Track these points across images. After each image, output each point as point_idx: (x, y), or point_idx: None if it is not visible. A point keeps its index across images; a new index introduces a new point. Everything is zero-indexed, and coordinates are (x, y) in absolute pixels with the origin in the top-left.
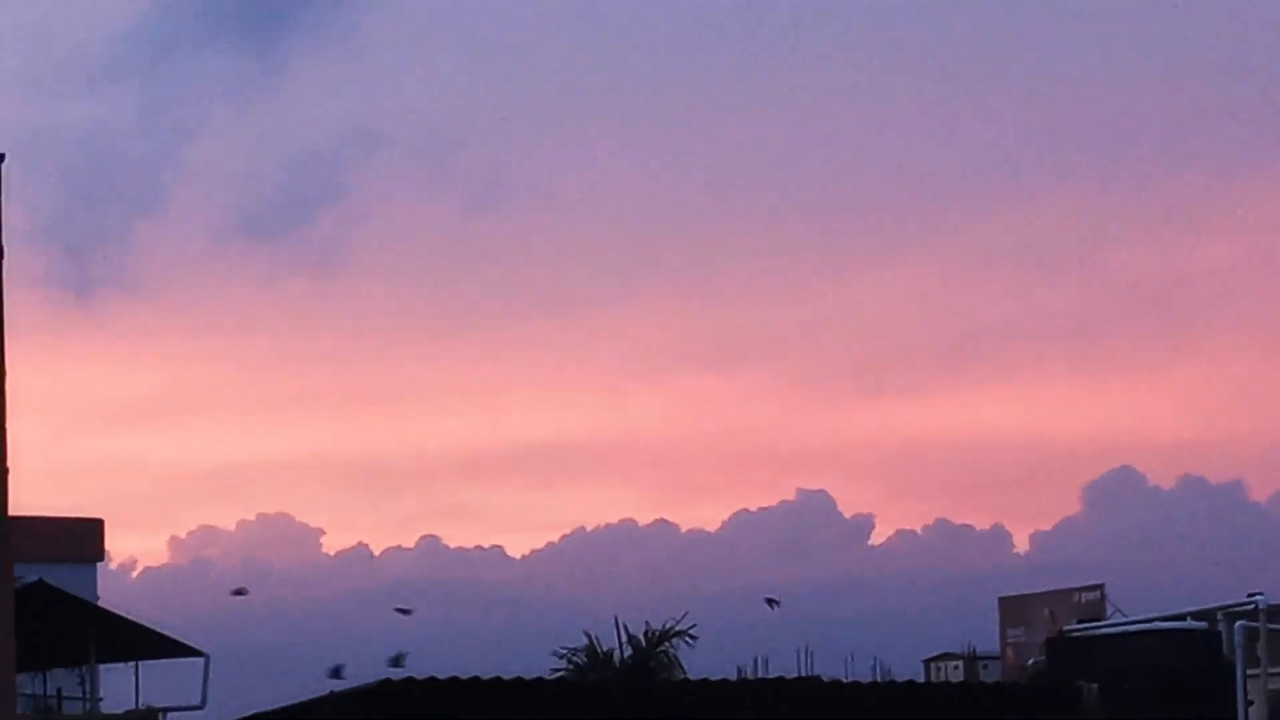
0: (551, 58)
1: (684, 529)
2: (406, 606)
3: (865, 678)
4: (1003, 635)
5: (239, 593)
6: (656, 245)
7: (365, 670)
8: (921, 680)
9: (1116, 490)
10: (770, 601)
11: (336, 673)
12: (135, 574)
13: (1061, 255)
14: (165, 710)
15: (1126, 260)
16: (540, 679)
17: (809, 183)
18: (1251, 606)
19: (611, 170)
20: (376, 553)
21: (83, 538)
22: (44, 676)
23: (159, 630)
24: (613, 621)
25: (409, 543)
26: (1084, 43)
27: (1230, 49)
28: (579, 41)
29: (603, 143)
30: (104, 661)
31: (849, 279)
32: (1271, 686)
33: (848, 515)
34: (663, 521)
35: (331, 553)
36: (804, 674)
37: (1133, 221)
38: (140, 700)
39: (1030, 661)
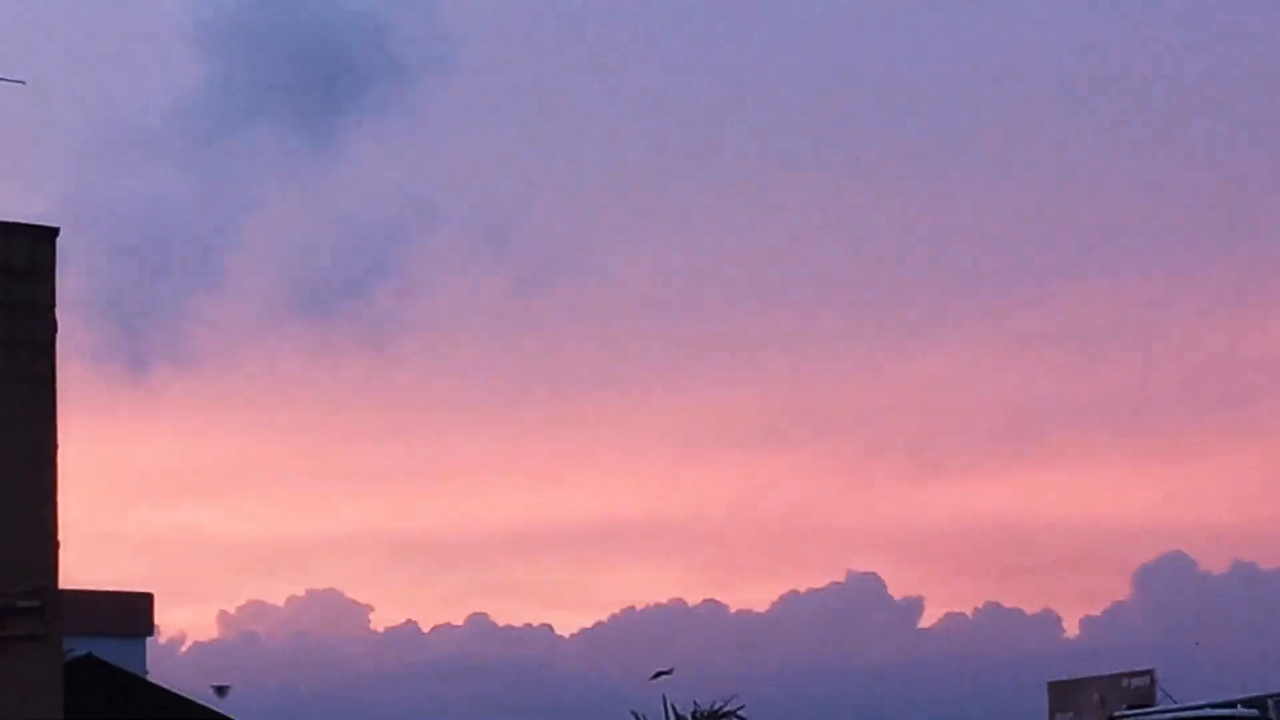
0: (607, 137)
1: (733, 609)
2: (665, 669)
3: None
4: None
5: (662, 674)
6: (707, 324)
7: None
8: None
9: (1167, 575)
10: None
11: None
12: (185, 648)
13: (1114, 337)
14: None
15: (1180, 342)
16: None
17: (861, 262)
18: None
19: (665, 251)
20: (425, 630)
21: (133, 611)
22: None
23: (208, 705)
24: (661, 701)
25: (458, 620)
26: (1140, 120)
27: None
28: (635, 122)
29: (656, 223)
30: None
31: (900, 359)
32: None
33: (898, 597)
34: (712, 602)
35: (380, 629)
36: None
37: (1187, 303)
38: None
39: None
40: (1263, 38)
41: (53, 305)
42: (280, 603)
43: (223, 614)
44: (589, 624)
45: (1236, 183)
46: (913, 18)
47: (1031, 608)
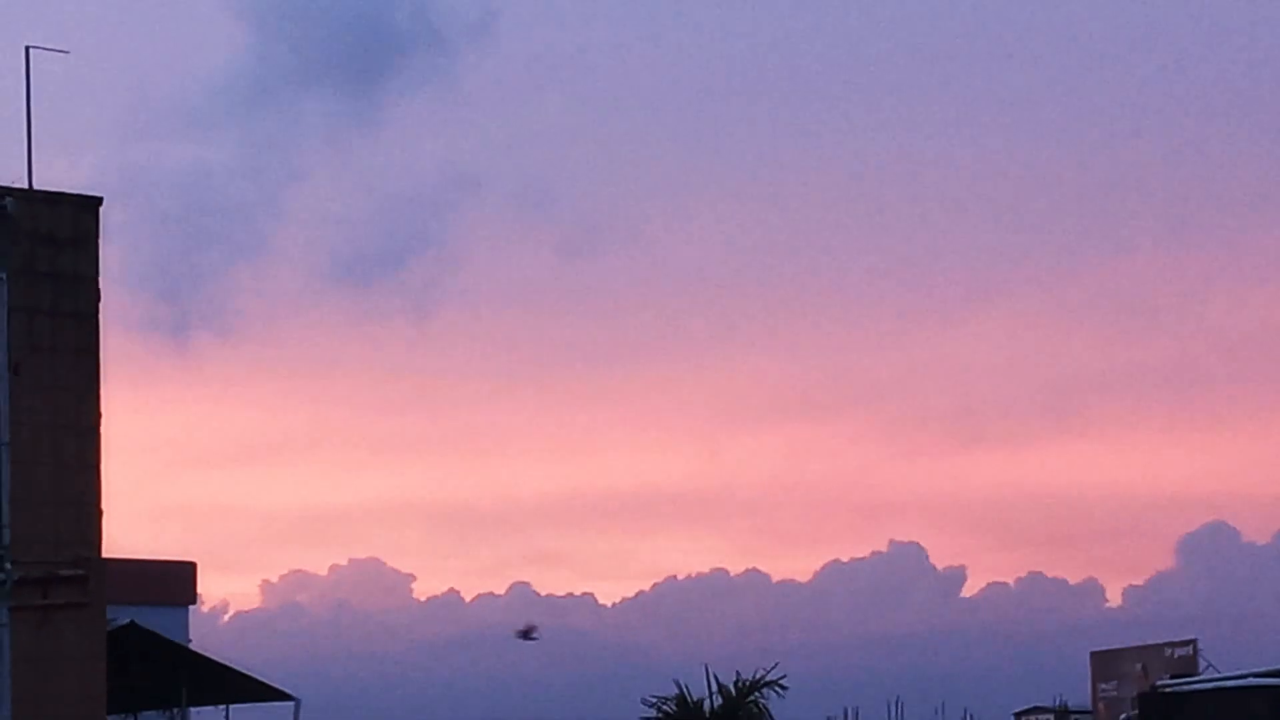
0: (649, 108)
1: (775, 579)
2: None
3: None
4: (1094, 690)
5: (527, 635)
6: (750, 295)
7: (458, 715)
8: None
9: (1210, 545)
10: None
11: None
12: (227, 617)
13: (1157, 309)
14: None
15: (1222, 314)
16: None
17: (904, 234)
18: None
19: (707, 221)
20: (467, 599)
21: (175, 580)
22: (135, 718)
23: (250, 674)
24: (703, 670)
25: (500, 589)
26: (1183, 93)
27: None
28: (678, 92)
29: (700, 193)
30: (195, 705)
31: (943, 330)
32: None
33: (940, 567)
34: (754, 571)
35: (422, 598)
36: None
37: (1229, 276)
38: None
39: (1123, 716)
40: None
41: (96, 275)
42: (323, 572)
43: (265, 583)
44: (630, 593)
45: (1277, 151)
46: (953, 12)
47: (1074, 577)
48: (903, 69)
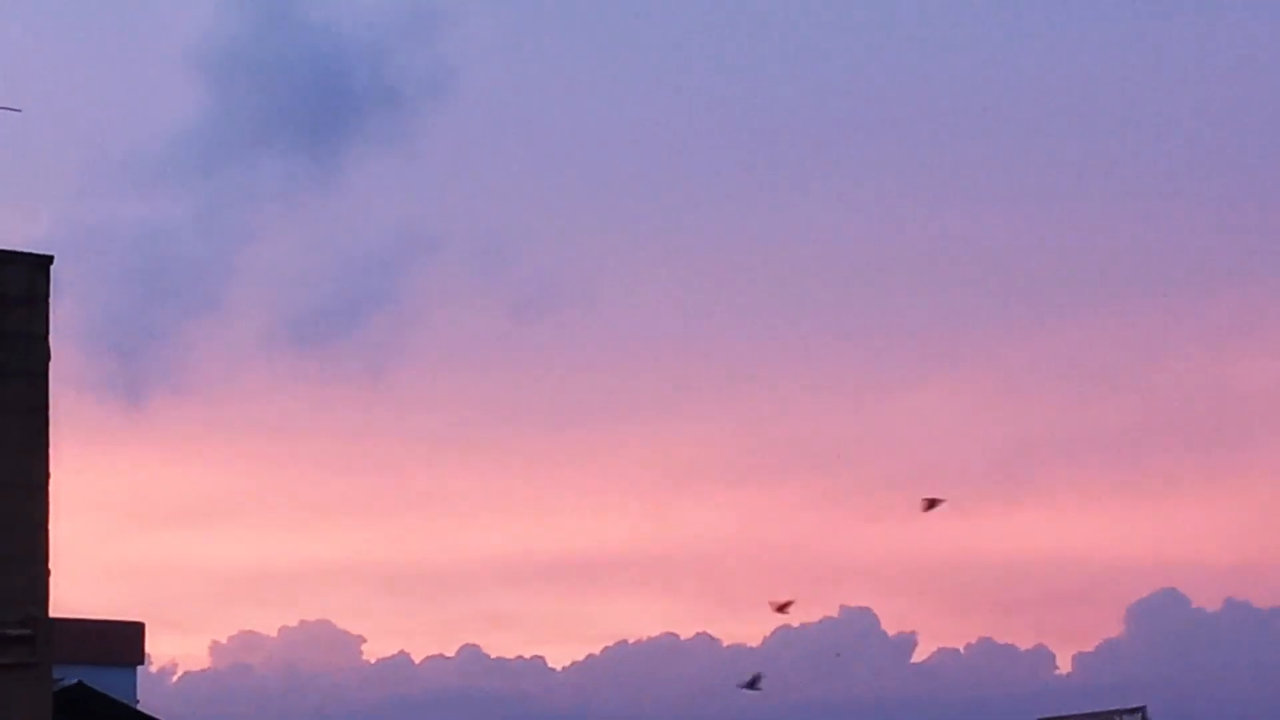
0: (605, 170)
1: (726, 643)
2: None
3: None
4: None
5: (752, 685)
6: (702, 359)
7: None
8: None
9: (1161, 612)
10: (751, 684)
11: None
12: (176, 678)
13: (1110, 373)
14: None
15: (1175, 379)
16: None
17: (858, 297)
18: None
19: (661, 284)
20: (417, 661)
21: (124, 640)
22: None
23: None
24: None
25: (450, 651)
26: (1135, 159)
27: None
28: (632, 154)
29: (653, 257)
30: None
31: (894, 393)
32: None
33: (891, 633)
34: (705, 635)
35: (372, 660)
36: None
37: (1182, 340)
38: None
39: None
40: (1259, 84)
41: (47, 334)
42: (272, 633)
43: (214, 644)
44: (581, 656)
45: (1231, 222)
46: (909, 53)
47: (1024, 644)
48: (857, 139)
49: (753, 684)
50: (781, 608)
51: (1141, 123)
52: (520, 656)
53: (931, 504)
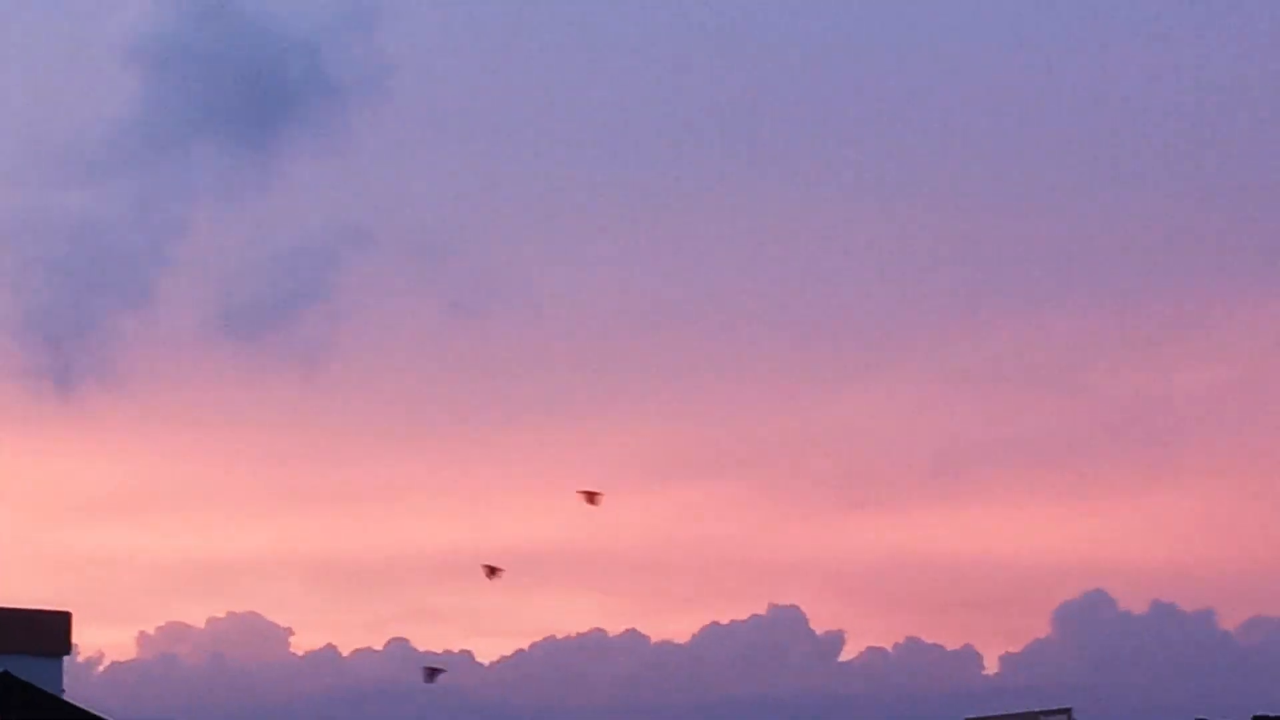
0: (542, 166)
1: (654, 640)
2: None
3: None
4: None
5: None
6: (637, 355)
7: None
8: None
9: (1088, 614)
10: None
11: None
12: (102, 668)
13: (1042, 378)
14: None
15: (1106, 382)
16: None
17: (794, 298)
18: None
19: (596, 281)
20: (345, 654)
21: (50, 630)
22: None
23: None
24: None
25: (378, 645)
26: (1072, 169)
27: (1217, 180)
28: (569, 151)
29: (589, 252)
30: None
31: (830, 394)
32: None
33: (819, 631)
34: (633, 632)
35: (300, 653)
36: None
37: (1114, 346)
38: None
39: None
40: (1197, 89)
41: None
42: (200, 624)
43: (142, 634)
44: (509, 651)
45: (1165, 227)
46: (846, 55)
47: (952, 644)
48: (796, 141)
49: (432, 676)
50: (590, 497)
51: (1079, 130)
52: (449, 651)
53: (491, 571)
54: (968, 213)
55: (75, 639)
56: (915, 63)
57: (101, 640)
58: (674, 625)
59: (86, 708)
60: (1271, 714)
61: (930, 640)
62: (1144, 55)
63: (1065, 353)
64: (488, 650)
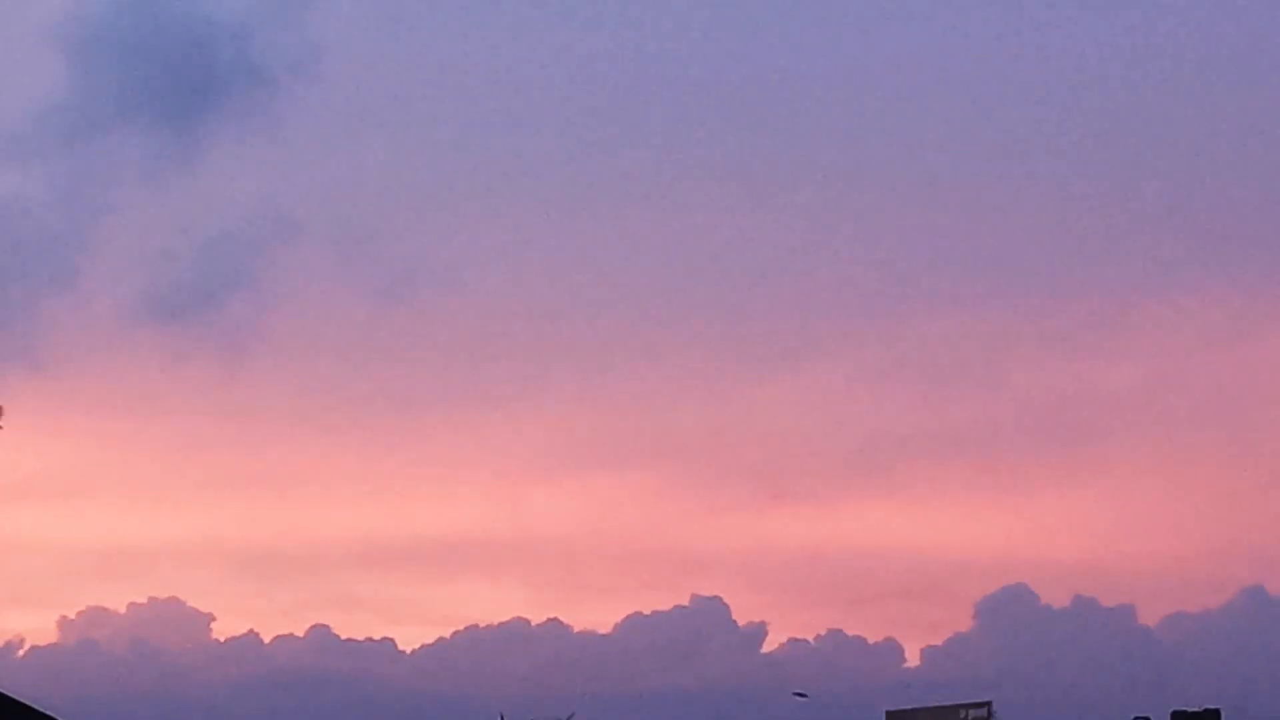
0: (470, 153)
1: (576, 629)
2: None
3: None
4: None
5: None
6: (560, 345)
7: None
8: None
9: (1009, 607)
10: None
11: None
12: (22, 652)
13: (963, 371)
14: None
15: (1027, 378)
16: None
17: (715, 290)
18: None
19: (525, 268)
20: (267, 640)
21: None
22: None
23: (45, 712)
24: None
25: (300, 631)
26: (993, 170)
27: (1136, 182)
28: (497, 140)
29: (515, 242)
30: None
31: (751, 385)
32: None
33: (741, 623)
34: (555, 621)
35: (221, 639)
36: None
37: (1035, 341)
38: None
39: None
40: (1116, 94)
41: None
42: (121, 609)
43: (63, 619)
44: (431, 640)
45: (1088, 224)
46: (774, 62)
47: (874, 636)
48: (718, 135)
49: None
50: None
51: (999, 132)
52: (370, 638)
53: None
54: (892, 210)
55: None
56: (839, 64)
57: (22, 625)
58: (596, 615)
59: (7, 692)
60: (1190, 709)
61: (852, 632)
62: (1064, 59)
63: (987, 348)
64: (409, 638)
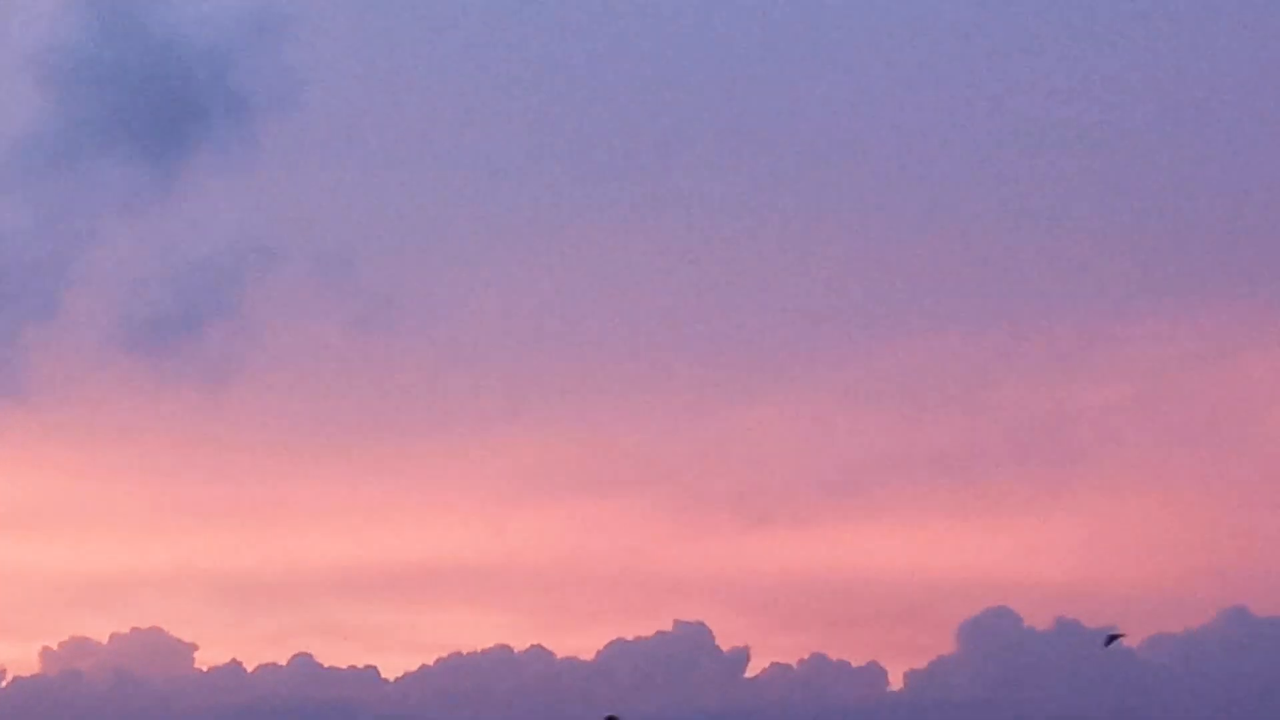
0: (448, 183)
1: (559, 655)
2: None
3: None
4: None
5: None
6: (540, 371)
7: None
8: None
9: (992, 629)
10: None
11: None
12: (4, 683)
13: (943, 394)
14: None
15: (1008, 401)
16: None
17: (696, 315)
18: None
19: (499, 297)
20: (250, 669)
21: None
22: None
23: None
24: None
25: (283, 660)
26: (972, 193)
27: (1115, 205)
28: (476, 169)
29: (495, 269)
30: None
31: (733, 410)
32: None
33: (725, 648)
34: (539, 648)
35: (204, 668)
36: None
37: (1014, 363)
38: None
39: None
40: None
41: None
42: (104, 639)
43: (45, 649)
44: (414, 667)
45: (1068, 246)
46: (750, 86)
47: (857, 660)
48: (696, 157)
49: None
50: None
51: (980, 155)
52: (353, 666)
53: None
54: (871, 233)
55: None
56: (817, 85)
57: (4, 656)
58: (579, 641)
59: None
60: None
61: (836, 656)
62: (1041, 87)
63: (968, 371)
64: (392, 666)
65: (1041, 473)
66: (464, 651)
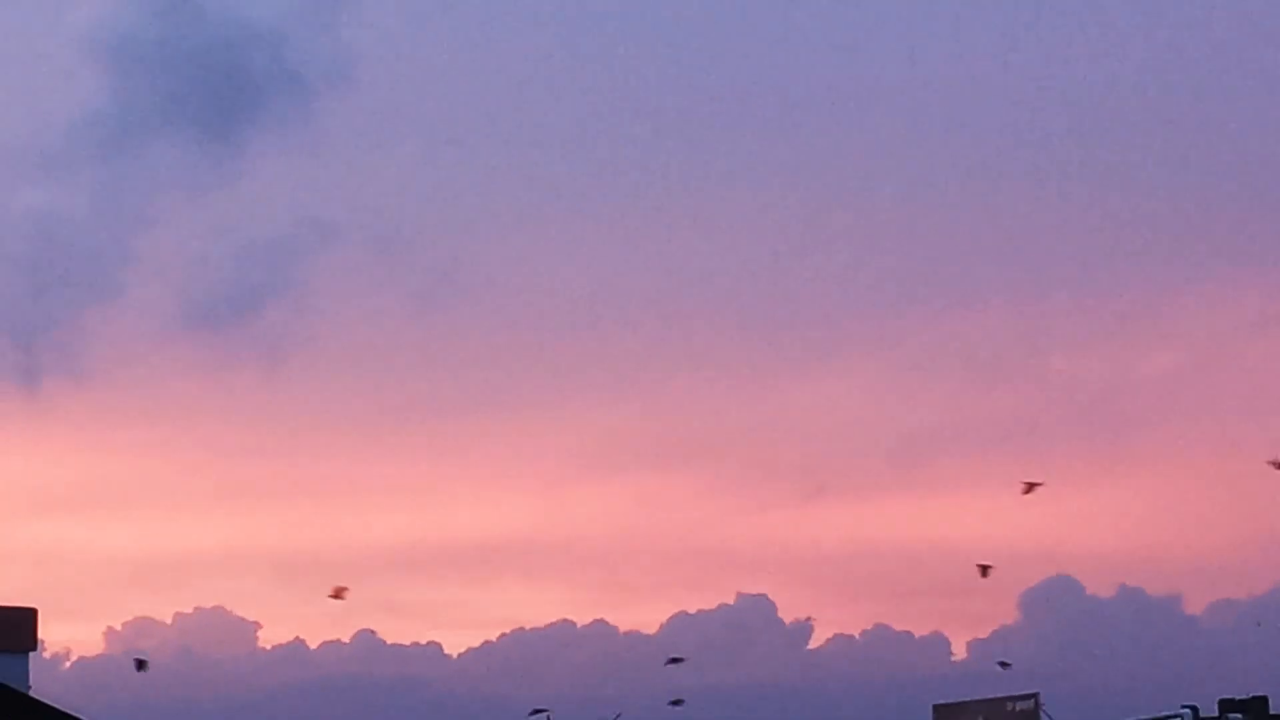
0: (506, 158)
1: (622, 630)
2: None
3: None
4: None
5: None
6: (601, 345)
7: None
8: None
9: (1054, 599)
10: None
11: None
12: (69, 664)
13: (1004, 363)
14: None
15: (1070, 369)
16: None
17: (756, 285)
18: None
19: (561, 271)
20: (313, 647)
21: (16, 626)
22: None
23: None
24: None
25: (346, 637)
26: (1028, 158)
27: (1175, 169)
28: (534, 144)
29: (553, 245)
30: None
31: (793, 383)
32: None
33: (787, 620)
34: (601, 622)
35: (268, 646)
36: None
37: (1076, 331)
38: None
39: None
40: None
41: None
42: (168, 619)
43: (109, 630)
44: (476, 643)
45: (1128, 215)
46: (795, 59)
47: (920, 630)
48: (746, 129)
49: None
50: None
51: (1033, 120)
52: (416, 643)
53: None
54: (925, 203)
55: (41, 635)
56: (859, 56)
57: (68, 636)
58: (642, 615)
59: (54, 704)
60: (1238, 697)
61: (899, 627)
62: (1093, 47)
63: (1026, 340)
64: (455, 642)
65: (1101, 441)
66: (526, 627)
